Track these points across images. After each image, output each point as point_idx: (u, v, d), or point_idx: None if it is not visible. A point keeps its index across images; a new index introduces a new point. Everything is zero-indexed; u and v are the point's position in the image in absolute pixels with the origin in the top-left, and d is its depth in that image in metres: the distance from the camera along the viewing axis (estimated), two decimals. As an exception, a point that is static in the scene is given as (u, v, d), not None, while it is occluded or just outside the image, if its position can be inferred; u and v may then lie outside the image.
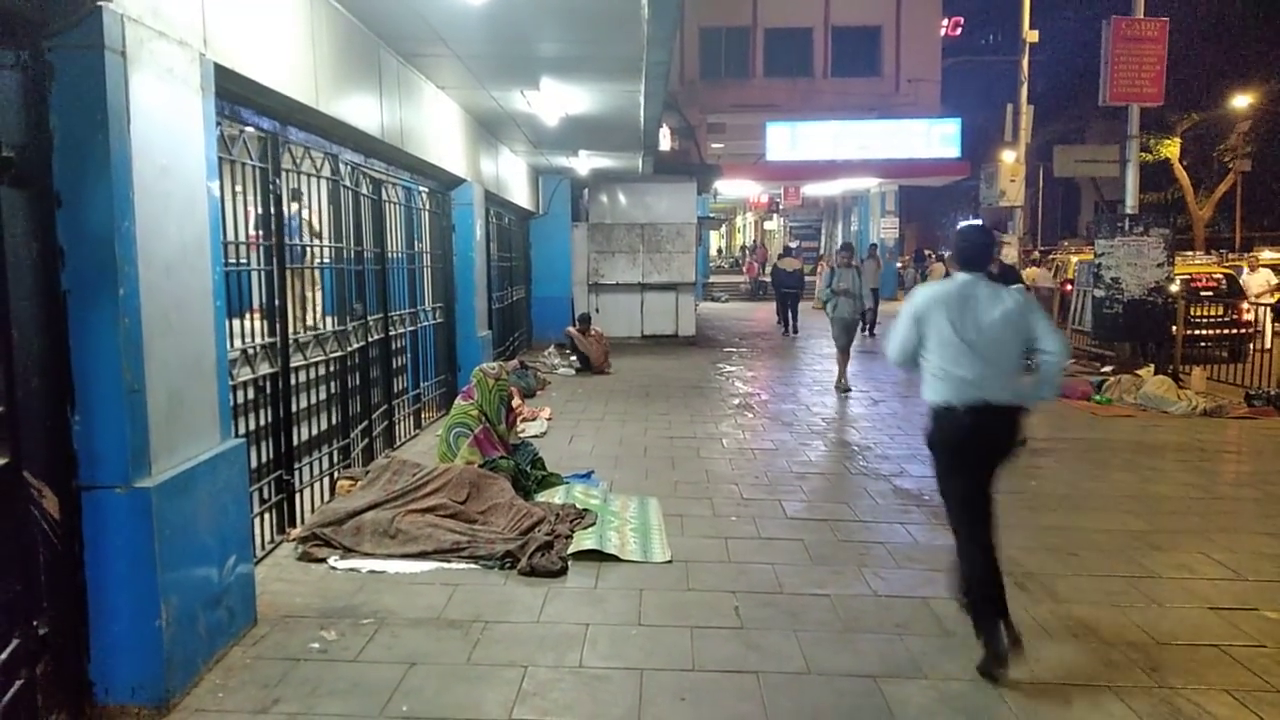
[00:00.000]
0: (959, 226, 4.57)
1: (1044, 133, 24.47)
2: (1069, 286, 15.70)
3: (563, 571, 4.64)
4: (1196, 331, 12.27)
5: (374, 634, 3.90)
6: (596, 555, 4.84)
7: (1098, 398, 10.22)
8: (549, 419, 8.88)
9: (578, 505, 5.60)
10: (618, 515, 5.54)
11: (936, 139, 22.92)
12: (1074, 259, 17.12)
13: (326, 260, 6.56)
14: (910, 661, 3.70)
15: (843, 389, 10.98)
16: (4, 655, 2.82)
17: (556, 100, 8.58)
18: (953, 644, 3.86)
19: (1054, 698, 3.41)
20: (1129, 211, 13.07)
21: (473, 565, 4.73)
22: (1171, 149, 22.11)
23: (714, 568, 4.78)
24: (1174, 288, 11.75)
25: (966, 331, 3.60)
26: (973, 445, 3.67)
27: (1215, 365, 11.48)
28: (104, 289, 3.05)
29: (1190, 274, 13.84)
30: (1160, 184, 25.13)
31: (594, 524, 5.30)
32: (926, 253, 30.74)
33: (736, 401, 10.29)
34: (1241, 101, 24.64)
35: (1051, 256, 20.86)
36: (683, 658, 3.72)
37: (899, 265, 30.01)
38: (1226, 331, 12.64)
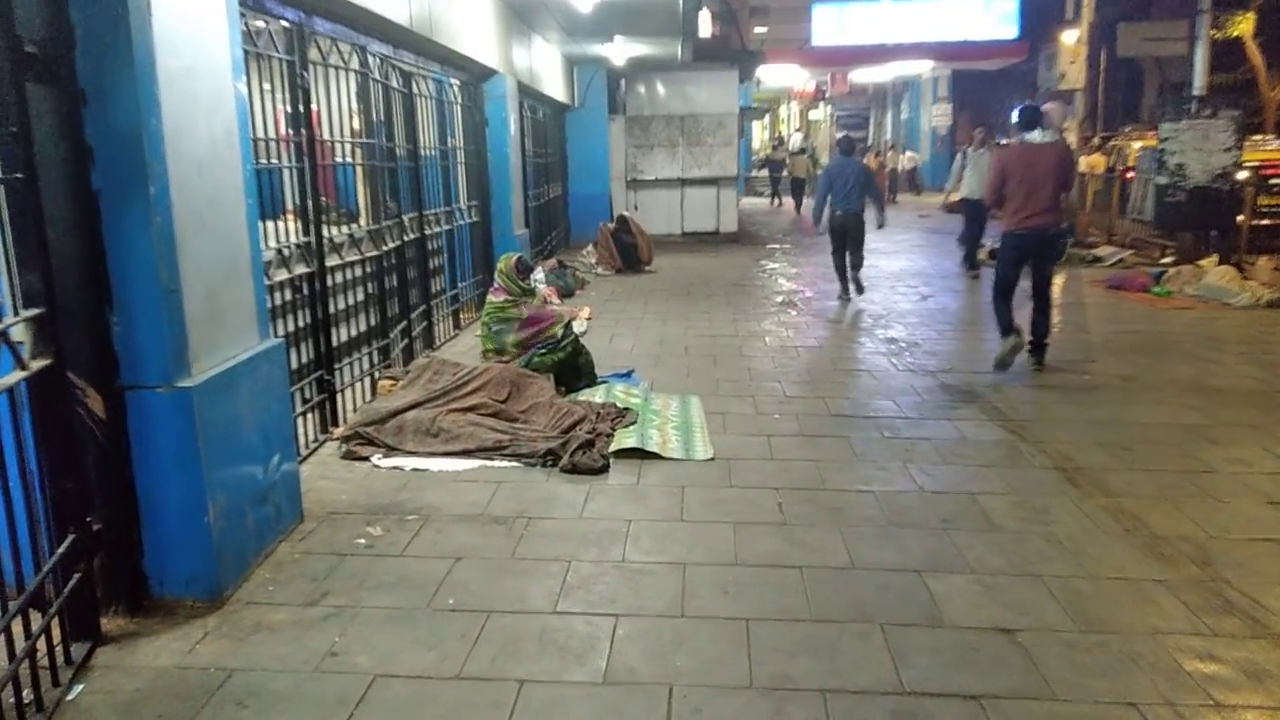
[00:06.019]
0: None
1: (1107, 10, 23.01)
2: (1130, 174, 15.06)
3: (604, 469, 4.65)
4: (1264, 221, 11.69)
5: (419, 530, 3.96)
6: (638, 453, 4.83)
7: (1157, 289, 9.90)
8: (589, 318, 8.83)
9: (618, 404, 5.58)
10: (659, 414, 5.52)
11: (994, 18, 21.66)
12: (1135, 145, 16.35)
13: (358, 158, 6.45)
14: (956, 555, 3.66)
15: None
16: (62, 548, 2.89)
17: (591, -17, 8.22)
18: (999, 539, 3.82)
19: (1103, 590, 3.36)
20: (1197, 93, 12.39)
21: (515, 463, 4.76)
22: (1245, 25, 20.67)
23: (756, 465, 4.76)
24: (1242, 175, 11.18)
25: None
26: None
27: (1282, 255, 10.99)
28: (135, 188, 2.99)
29: (1260, 160, 13.14)
30: (1230, 64, 23.66)
31: (635, 422, 5.28)
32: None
33: (779, 299, 10.13)
34: (1326, -30, 22.87)
35: (1112, 143, 19.96)
36: (725, 552, 3.72)
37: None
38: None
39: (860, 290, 9.77)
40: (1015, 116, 6.56)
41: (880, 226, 9.90)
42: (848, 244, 9.63)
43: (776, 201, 25.41)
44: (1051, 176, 6.22)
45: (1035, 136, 6.39)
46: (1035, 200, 6.19)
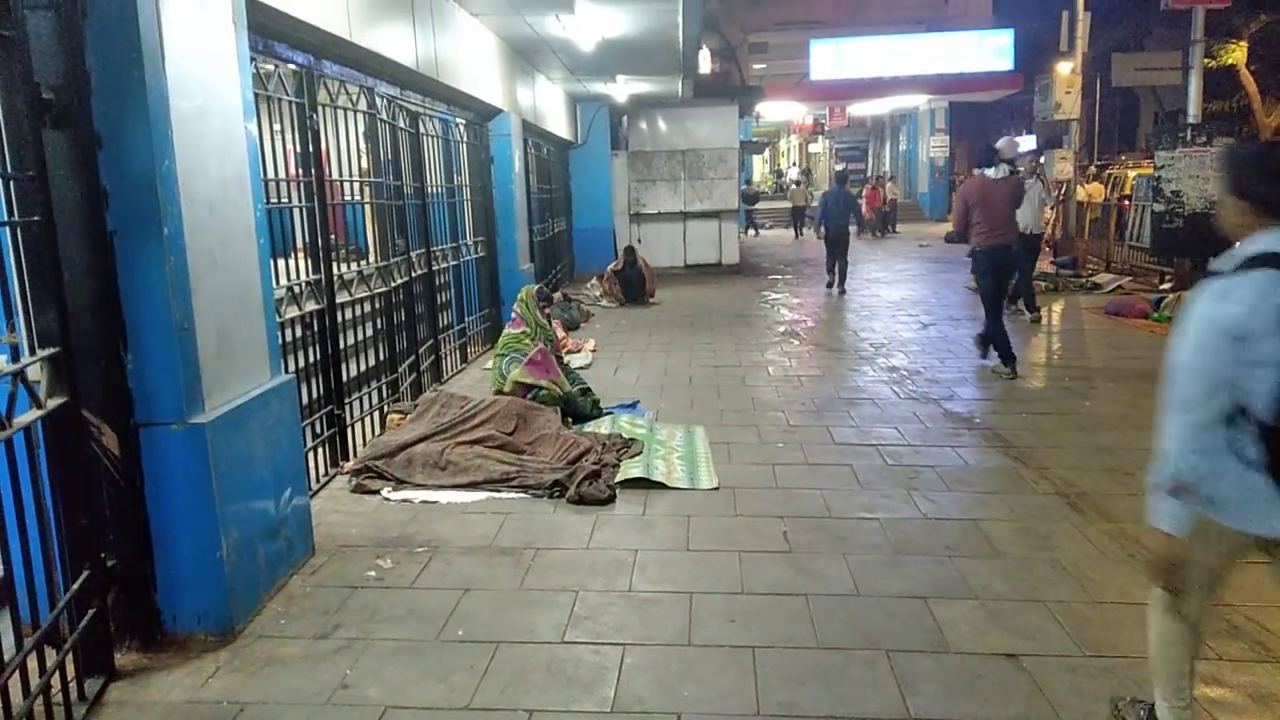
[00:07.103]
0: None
1: (1101, 41, 23.27)
2: (1127, 202, 15.21)
3: (611, 500, 4.69)
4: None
5: (428, 562, 3.99)
6: (644, 483, 4.87)
7: (1156, 315, 9.95)
8: (594, 351, 8.89)
9: (624, 435, 5.62)
10: (664, 444, 5.56)
11: (989, 51, 22.02)
12: (1131, 174, 16.51)
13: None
14: (961, 582, 3.68)
15: None
16: (76, 585, 2.93)
17: (592, 23, 8.38)
18: (1003, 565, 3.84)
19: (1107, 615, 3.38)
20: (1191, 121, 12.52)
21: (522, 494, 4.80)
22: (1238, 54, 20.89)
23: (761, 494, 4.79)
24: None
25: None
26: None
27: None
28: (149, 228, 3.06)
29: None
30: (1225, 92, 23.88)
31: (640, 453, 5.32)
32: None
33: (782, 329, 10.20)
34: (1316, -1, 23.12)
35: (1108, 171, 20.14)
36: (732, 581, 3.75)
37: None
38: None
39: (842, 291, 13.03)
40: (976, 155, 8.14)
41: (857, 235, 14.96)
42: (838, 250, 13.16)
43: (753, 232, 27.16)
44: (1006, 205, 7.58)
45: (991, 173, 7.69)
46: (997, 225, 7.51)
